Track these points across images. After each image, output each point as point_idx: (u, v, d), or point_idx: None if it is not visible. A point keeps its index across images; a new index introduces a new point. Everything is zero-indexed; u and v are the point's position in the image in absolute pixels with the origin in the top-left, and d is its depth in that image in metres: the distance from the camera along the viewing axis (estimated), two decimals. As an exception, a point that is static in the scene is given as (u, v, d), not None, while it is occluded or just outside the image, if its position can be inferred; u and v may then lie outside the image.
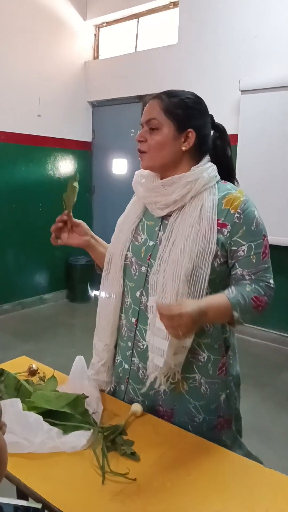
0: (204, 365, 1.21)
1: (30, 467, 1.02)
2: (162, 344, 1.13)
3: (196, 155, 1.21)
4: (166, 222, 1.21)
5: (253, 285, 1.16)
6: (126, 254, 1.27)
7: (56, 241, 1.34)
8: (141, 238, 1.25)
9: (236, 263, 1.18)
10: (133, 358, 1.27)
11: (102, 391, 1.36)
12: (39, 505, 0.89)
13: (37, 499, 0.94)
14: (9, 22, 4.25)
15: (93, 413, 1.21)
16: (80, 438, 1.11)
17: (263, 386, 3.16)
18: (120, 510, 0.91)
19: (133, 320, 1.26)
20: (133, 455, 1.06)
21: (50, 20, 4.63)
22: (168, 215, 1.20)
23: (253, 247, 1.16)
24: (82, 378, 1.35)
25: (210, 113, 1.24)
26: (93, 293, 5.22)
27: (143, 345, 1.24)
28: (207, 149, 1.24)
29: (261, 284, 1.17)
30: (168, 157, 1.18)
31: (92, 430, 1.13)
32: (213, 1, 3.96)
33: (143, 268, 1.23)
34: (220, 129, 1.27)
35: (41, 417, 1.12)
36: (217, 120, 1.28)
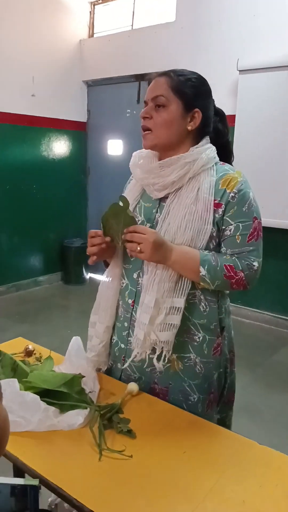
0: (199, 345, 1.23)
1: (27, 445, 1.04)
2: (145, 318, 1.16)
3: (198, 136, 1.21)
4: (163, 203, 1.21)
5: (232, 258, 1.17)
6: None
7: (93, 260, 1.26)
8: (139, 220, 1.25)
9: (222, 242, 1.19)
10: (129, 338, 1.29)
11: (98, 370, 1.38)
12: (36, 482, 0.90)
13: (34, 475, 0.96)
14: (2, 0, 4.14)
15: (90, 392, 1.22)
16: (77, 416, 1.12)
17: (255, 367, 3.21)
18: (117, 487, 0.93)
19: (130, 301, 1.27)
20: (129, 433, 1.08)
21: (44, -4, 4.51)
22: (166, 197, 1.20)
23: (241, 227, 1.16)
24: (79, 358, 1.36)
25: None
26: (88, 275, 5.22)
27: None
28: (209, 132, 1.24)
29: (242, 261, 1.17)
30: (173, 135, 1.17)
31: (88, 409, 1.15)
32: (211, -23, 3.87)
33: None
34: (220, 114, 1.28)
35: (38, 397, 1.13)
36: (215, 100, 1.27)
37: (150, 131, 1.19)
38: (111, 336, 1.36)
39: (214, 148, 1.22)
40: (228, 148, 1.30)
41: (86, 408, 1.15)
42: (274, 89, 3.53)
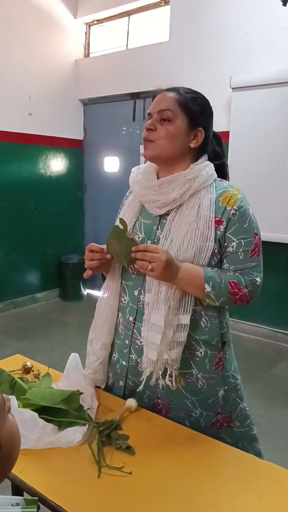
0: (201, 360, 1.22)
1: (26, 462, 1.03)
2: (155, 338, 1.15)
3: (198, 154, 1.23)
4: (164, 221, 1.21)
5: (236, 274, 1.18)
6: None
7: (88, 274, 1.27)
8: (139, 237, 1.25)
9: (224, 259, 1.20)
10: (131, 355, 1.28)
11: (97, 387, 1.37)
12: (34, 500, 0.90)
13: (33, 493, 0.95)
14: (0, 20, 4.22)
15: (88, 409, 1.22)
16: (75, 433, 1.12)
17: (255, 380, 3.20)
18: (116, 504, 0.92)
19: (131, 318, 1.27)
20: (128, 449, 1.08)
21: (41, 18, 4.61)
22: (166, 214, 1.21)
23: (243, 244, 1.17)
24: (77, 374, 1.36)
25: None
26: (85, 291, 5.22)
27: (140, 342, 1.24)
28: (207, 151, 1.26)
29: (245, 277, 1.18)
30: (175, 150, 1.19)
31: (87, 426, 1.15)
32: (203, -1, 3.97)
33: None
34: (217, 137, 1.31)
35: (36, 414, 1.13)
36: None
37: (152, 142, 1.19)
38: (111, 354, 1.35)
39: (212, 165, 1.24)
40: (224, 170, 1.32)
41: (84, 425, 1.15)
42: (266, 106, 3.59)
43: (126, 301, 1.28)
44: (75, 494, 0.94)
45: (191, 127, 1.19)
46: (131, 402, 1.26)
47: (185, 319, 1.17)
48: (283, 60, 3.55)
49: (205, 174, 1.19)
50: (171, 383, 1.19)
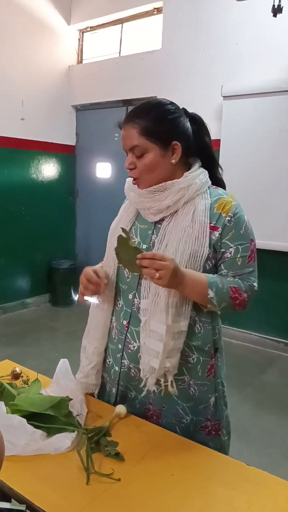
0: (193, 366, 1.22)
1: (13, 468, 1.02)
2: (157, 346, 1.14)
3: (185, 158, 1.22)
4: (159, 226, 1.22)
5: (235, 279, 1.19)
6: None
7: (83, 299, 1.27)
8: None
9: (222, 264, 1.20)
10: (123, 360, 1.27)
11: (91, 394, 1.36)
12: (22, 507, 0.89)
13: (21, 500, 0.94)
14: (-8, 25, 4.23)
15: (77, 415, 1.21)
16: (64, 439, 1.11)
17: (244, 386, 3.21)
18: (105, 510, 0.92)
19: (125, 322, 1.26)
20: (117, 456, 1.07)
21: (34, 24, 4.63)
22: (162, 220, 1.21)
23: (240, 250, 1.18)
24: (66, 380, 1.36)
25: (183, 107, 1.23)
26: (76, 297, 5.20)
27: (133, 346, 1.24)
28: (192, 146, 1.23)
29: (244, 282, 1.20)
30: (162, 174, 1.18)
31: (76, 432, 1.14)
32: (196, 7, 4.02)
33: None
34: (196, 120, 1.25)
35: (25, 420, 1.12)
36: None
37: (138, 179, 1.20)
38: (105, 359, 1.34)
39: (206, 172, 1.24)
40: (211, 154, 1.28)
41: (73, 431, 1.14)
42: (257, 114, 3.63)
43: (121, 305, 1.28)
44: (64, 501, 0.94)
45: (165, 148, 1.17)
46: (121, 409, 1.25)
47: (184, 325, 1.17)
48: (273, 70, 3.61)
49: (199, 182, 1.19)
50: (172, 388, 1.18)
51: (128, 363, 1.27)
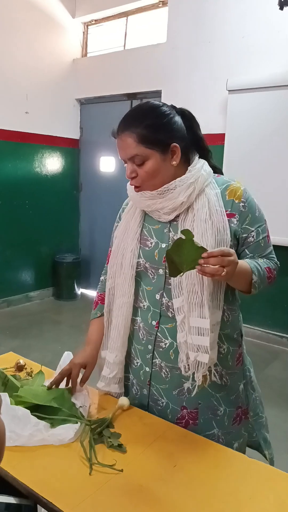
0: (224, 356, 1.23)
1: (17, 459, 1.03)
2: (203, 341, 1.13)
3: (184, 156, 1.20)
4: (175, 222, 1.21)
5: (264, 259, 1.23)
6: (139, 261, 1.25)
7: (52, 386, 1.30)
8: (151, 243, 1.24)
9: (246, 249, 1.22)
10: (154, 360, 1.26)
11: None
12: (31, 502, 0.90)
13: (25, 490, 0.95)
14: (-3, 18, 4.22)
15: (81, 406, 1.22)
16: (67, 431, 1.12)
17: (248, 382, 3.21)
18: (107, 501, 0.92)
19: (154, 322, 1.25)
20: (120, 447, 1.08)
21: (39, 16, 4.61)
22: (176, 217, 1.20)
23: (260, 232, 1.21)
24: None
25: (171, 104, 1.22)
26: (79, 290, 5.22)
27: (165, 344, 1.23)
28: (188, 142, 1.21)
29: (271, 260, 1.24)
30: (164, 178, 1.17)
31: (79, 424, 1.15)
32: (202, 0, 3.99)
33: (161, 271, 1.22)
34: (186, 115, 1.22)
35: (28, 411, 1.13)
36: (204, 119, 1.28)
37: (141, 186, 1.19)
38: (134, 360, 1.32)
39: (206, 162, 1.23)
40: (204, 146, 1.26)
41: (76, 422, 1.16)
42: (262, 109, 3.61)
43: (146, 306, 1.27)
44: (67, 491, 0.94)
45: (165, 152, 1.15)
46: (124, 401, 1.26)
47: (220, 316, 1.18)
48: (279, 64, 3.57)
49: (204, 173, 1.19)
50: (216, 378, 1.20)
51: (160, 362, 1.25)
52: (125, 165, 1.19)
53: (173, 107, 1.21)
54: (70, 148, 5.19)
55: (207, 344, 1.13)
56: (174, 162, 1.17)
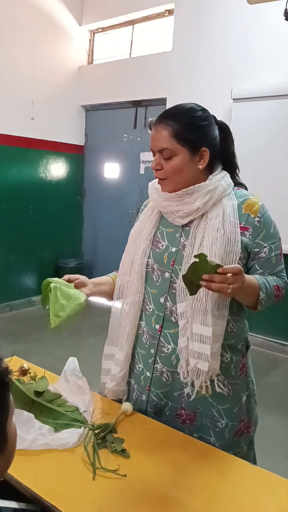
0: (227, 366, 1.23)
1: (21, 462, 1.04)
2: (204, 349, 1.14)
3: (210, 164, 1.22)
4: (188, 228, 1.22)
5: (274, 278, 1.23)
6: (147, 261, 1.27)
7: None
8: (162, 245, 1.26)
9: (256, 264, 1.22)
10: (155, 365, 1.27)
11: (118, 400, 1.35)
12: (38, 508, 0.91)
13: (28, 493, 0.96)
14: (4, 25, 4.27)
15: (84, 411, 1.23)
16: (71, 435, 1.13)
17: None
18: (110, 505, 0.93)
19: (157, 326, 1.26)
20: (123, 452, 1.09)
21: (46, 24, 4.66)
22: (189, 222, 1.22)
23: (273, 248, 1.22)
24: (74, 378, 1.37)
25: (212, 114, 1.25)
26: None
27: (167, 349, 1.24)
28: (217, 153, 1.24)
29: (280, 279, 1.24)
30: (187, 178, 1.19)
31: (83, 428, 1.16)
32: (207, 9, 4.03)
33: (167, 274, 1.24)
34: (224, 129, 1.27)
35: (33, 415, 1.14)
36: None
37: (163, 179, 1.21)
38: (136, 364, 1.33)
39: (228, 175, 1.25)
40: (233, 162, 1.30)
41: (80, 427, 1.16)
42: (267, 118, 3.63)
43: (151, 309, 1.28)
44: (70, 495, 0.95)
45: (194, 153, 1.18)
46: (127, 406, 1.27)
47: (223, 326, 1.18)
48: (284, 73, 3.60)
49: (224, 184, 1.21)
50: (221, 389, 1.20)
51: (161, 367, 1.26)
52: (154, 157, 1.22)
53: (214, 118, 1.25)
54: (74, 154, 5.23)
55: (208, 352, 1.13)
56: (200, 166, 1.19)
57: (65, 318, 1.19)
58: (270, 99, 3.59)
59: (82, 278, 1.30)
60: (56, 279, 1.23)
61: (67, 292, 1.21)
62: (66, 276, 1.27)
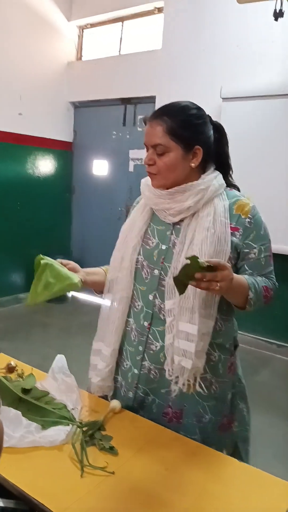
0: (215, 364, 1.23)
1: (8, 460, 1.02)
2: (189, 346, 1.14)
3: (202, 163, 1.23)
4: (178, 226, 1.22)
5: (263, 278, 1.23)
6: (137, 258, 1.27)
7: None
8: (152, 242, 1.26)
9: (245, 265, 1.22)
10: (143, 362, 1.27)
11: (104, 397, 1.34)
12: (25, 506, 0.90)
13: (15, 491, 0.95)
14: (-7, 19, 4.22)
15: (72, 409, 1.22)
16: (59, 433, 1.12)
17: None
18: (99, 503, 0.93)
19: (146, 323, 1.26)
20: (111, 450, 1.08)
21: (34, 19, 4.61)
22: (180, 221, 1.22)
23: (263, 250, 1.22)
24: (62, 375, 1.36)
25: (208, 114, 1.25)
26: (70, 293, 5.20)
27: (155, 347, 1.24)
28: (211, 153, 1.24)
29: (269, 280, 1.24)
30: (179, 175, 1.20)
31: (71, 426, 1.15)
32: (197, 8, 4.03)
33: (156, 272, 1.24)
34: (219, 129, 1.27)
35: (20, 413, 1.13)
36: None
37: (155, 174, 1.21)
38: (123, 361, 1.33)
39: (221, 175, 1.26)
40: (227, 162, 1.31)
41: (68, 424, 1.15)
42: (256, 117, 3.65)
43: (140, 306, 1.27)
44: (58, 493, 0.94)
45: (187, 151, 1.18)
46: (115, 403, 1.26)
47: (211, 325, 1.18)
48: (273, 73, 3.62)
49: (216, 183, 1.21)
50: (200, 388, 1.19)
51: (149, 365, 1.26)
52: (147, 152, 1.21)
53: (208, 116, 1.25)
54: (63, 151, 5.19)
55: (192, 350, 1.14)
56: (193, 164, 1.20)
57: (48, 297, 1.16)
58: (259, 98, 3.61)
59: (74, 264, 1.28)
60: (49, 258, 1.20)
61: (58, 271, 1.18)
62: (59, 260, 1.25)
